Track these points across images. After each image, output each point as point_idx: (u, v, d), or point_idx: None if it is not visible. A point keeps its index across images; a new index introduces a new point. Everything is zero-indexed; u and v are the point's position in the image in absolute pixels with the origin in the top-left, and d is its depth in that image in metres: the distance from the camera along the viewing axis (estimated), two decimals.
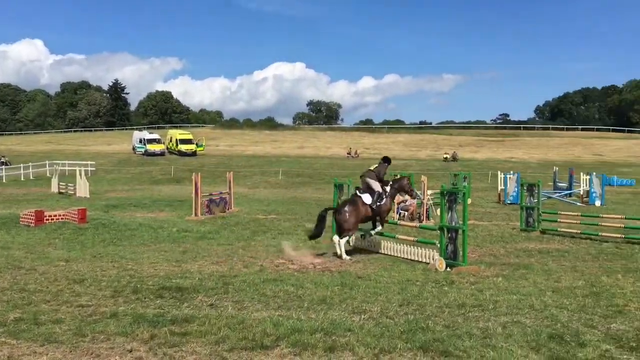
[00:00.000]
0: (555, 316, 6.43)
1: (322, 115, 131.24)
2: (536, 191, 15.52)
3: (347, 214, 10.96)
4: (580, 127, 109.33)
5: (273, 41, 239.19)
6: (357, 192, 11.45)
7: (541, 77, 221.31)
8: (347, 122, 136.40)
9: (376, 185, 11.31)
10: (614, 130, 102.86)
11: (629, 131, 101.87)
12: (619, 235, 13.63)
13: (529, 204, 15.46)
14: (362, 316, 6.39)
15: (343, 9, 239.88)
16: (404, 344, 5.38)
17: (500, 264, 10.36)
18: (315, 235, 11.37)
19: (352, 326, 5.95)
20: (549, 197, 27.39)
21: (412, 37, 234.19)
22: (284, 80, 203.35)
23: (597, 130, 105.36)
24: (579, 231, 14.37)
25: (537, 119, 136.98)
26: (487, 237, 14.31)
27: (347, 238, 11.23)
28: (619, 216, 15.36)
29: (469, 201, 25.85)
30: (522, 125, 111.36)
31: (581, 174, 29.67)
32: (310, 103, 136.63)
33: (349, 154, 62.67)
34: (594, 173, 27.00)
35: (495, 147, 74.49)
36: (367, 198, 11.21)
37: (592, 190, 25.91)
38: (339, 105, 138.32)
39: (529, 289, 7.96)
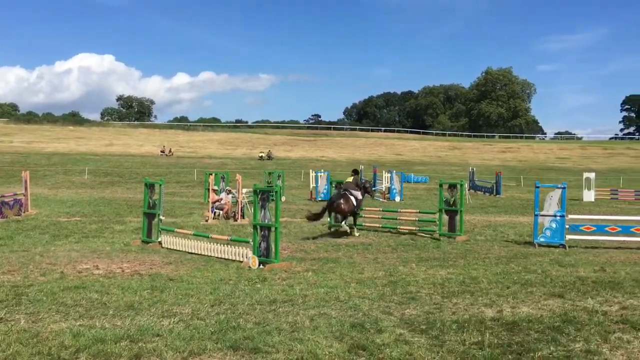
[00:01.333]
0: (358, 306, 6.87)
1: (134, 111, 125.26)
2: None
3: (342, 205, 14.16)
4: (383, 128, 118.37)
5: (77, 29, 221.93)
6: (347, 192, 14.54)
7: (349, 81, 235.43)
8: (160, 119, 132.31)
9: (358, 194, 14.72)
10: (411, 132, 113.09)
11: (423, 133, 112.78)
12: (414, 228, 15.02)
13: None
14: (172, 319, 6.21)
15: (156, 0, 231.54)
16: (214, 344, 5.34)
17: (310, 259, 10.79)
18: (314, 218, 14.49)
19: (160, 331, 5.75)
20: None
21: (228, 34, 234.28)
22: (90, 72, 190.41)
23: (398, 131, 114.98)
24: (379, 225, 15.55)
25: (345, 120, 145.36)
26: (299, 233, 14.83)
27: (345, 221, 14.59)
28: (414, 210, 16.92)
29: (283, 199, 26.59)
30: (332, 126, 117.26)
31: (383, 172, 32.16)
32: (120, 98, 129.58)
33: (162, 152, 60.62)
34: (394, 171, 29.38)
35: (308, 146, 77.53)
36: (354, 198, 14.43)
37: (393, 187, 28.19)
38: (152, 102, 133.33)
39: (336, 282, 8.40)
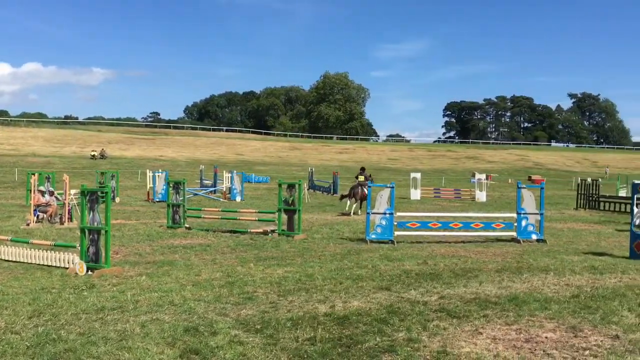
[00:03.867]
0: (193, 309, 6.71)
1: None
2: (182, 189, 16.02)
3: (364, 191, 19.79)
4: (225, 128, 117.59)
5: None
6: (361, 186, 20.66)
7: (190, 79, 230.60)
8: None
9: (364, 191, 19.64)
10: (253, 132, 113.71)
11: (265, 133, 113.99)
12: (263, 229, 15.08)
13: (175, 202, 15.86)
14: None
15: None
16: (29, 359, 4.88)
17: (145, 263, 10.34)
18: (341, 198, 22.61)
19: None
20: (196, 194, 28.68)
21: (56, 22, 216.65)
22: None
23: (240, 131, 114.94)
24: (215, 226, 15.38)
25: (186, 118, 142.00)
26: (133, 235, 14.15)
27: (349, 203, 21.10)
28: (254, 210, 17.00)
29: (117, 200, 25.24)
30: (172, 125, 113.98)
31: (224, 172, 31.91)
32: None
33: None
34: (235, 171, 29.29)
35: (145, 145, 74.45)
36: (365, 189, 19.00)
37: (234, 187, 28.08)
38: None
39: (171, 285, 8.12)
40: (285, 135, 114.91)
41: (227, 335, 5.64)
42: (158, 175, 26.88)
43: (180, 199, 15.92)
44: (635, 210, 11.24)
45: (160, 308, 6.77)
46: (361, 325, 6.05)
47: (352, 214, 20.40)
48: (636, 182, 11.71)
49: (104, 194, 9.73)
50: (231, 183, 28.49)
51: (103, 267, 9.27)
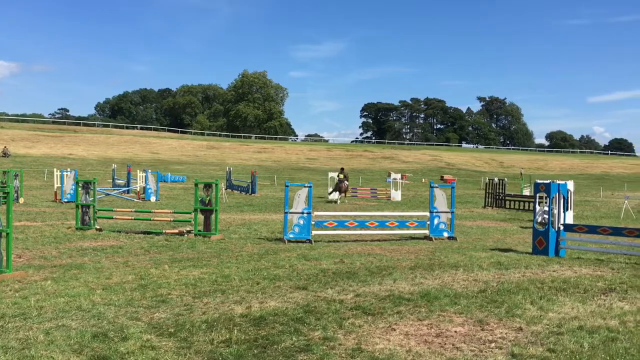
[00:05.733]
0: (102, 314, 6.44)
1: None
2: (92, 188, 15.36)
3: (347, 186, 27.98)
4: (139, 126, 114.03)
5: None
6: (340, 182, 27.57)
7: (101, 75, 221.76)
8: None
9: (346, 184, 28.10)
10: (169, 130, 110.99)
11: (181, 132, 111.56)
12: (179, 230, 14.72)
13: (84, 202, 15.18)
14: None
15: None
16: None
17: (51, 266, 9.82)
18: (333, 191, 28.34)
19: None
20: (107, 194, 27.61)
21: None
22: None
23: (155, 129, 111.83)
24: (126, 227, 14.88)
25: (97, 115, 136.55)
26: (39, 238, 13.40)
27: (337, 195, 27.89)
28: (169, 211, 16.58)
29: (21, 200, 23.87)
30: (82, 122, 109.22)
31: (138, 171, 30.92)
32: None
33: None
34: (149, 170, 28.46)
35: (53, 142, 70.86)
36: (345, 184, 27.65)
37: (148, 186, 27.25)
38: None
39: (79, 290, 7.76)
40: (203, 134, 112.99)
41: (139, 340, 5.46)
42: (66, 175, 25.60)
43: (90, 199, 15.25)
44: (537, 208, 11.92)
45: (67, 314, 6.45)
46: (277, 326, 6.04)
47: (337, 202, 27.62)
48: (538, 181, 12.42)
49: (6, 194, 9.16)
50: (145, 183, 27.64)
51: (4, 272, 8.71)
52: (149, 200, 26.64)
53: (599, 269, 9.79)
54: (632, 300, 7.47)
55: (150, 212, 17.36)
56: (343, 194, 28.26)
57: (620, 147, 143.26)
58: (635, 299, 7.51)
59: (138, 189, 28.89)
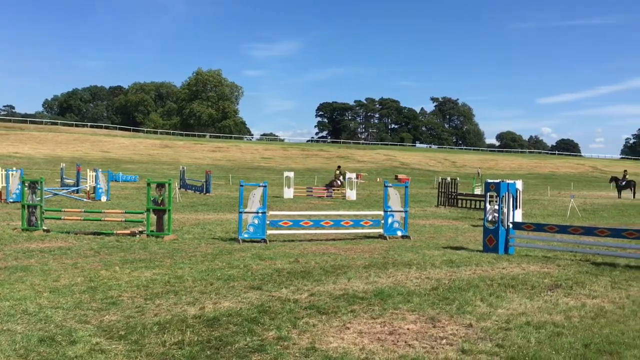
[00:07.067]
0: (49, 317, 6.25)
1: None
2: (39, 188, 14.89)
3: (333, 182, 33.35)
4: (89, 124, 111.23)
5: None
6: (337, 179, 32.89)
7: (49, 71, 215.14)
8: None
9: (340, 180, 33.06)
10: (121, 129, 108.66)
11: (134, 130, 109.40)
12: (130, 231, 14.41)
13: (31, 202, 14.70)
14: None
15: None
16: None
17: None
18: (324, 187, 33.85)
19: None
20: (56, 194, 26.82)
21: None
22: None
23: (106, 127, 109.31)
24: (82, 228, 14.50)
25: (45, 113, 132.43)
26: None
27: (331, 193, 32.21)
28: (120, 211, 16.23)
29: None
30: (29, 119, 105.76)
31: (88, 170, 30.16)
32: None
33: None
34: (100, 170, 27.80)
35: None
36: (339, 182, 32.70)
37: (99, 186, 26.59)
38: None
39: (25, 293, 7.51)
40: (156, 133, 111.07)
41: (88, 344, 5.32)
42: (12, 174, 24.70)
43: (38, 199, 14.78)
44: (488, 207, 12.21)
45: (12, 318, 6.23)
46: (231, 326, 6.00)
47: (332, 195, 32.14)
48: (489, 181, 12.72)
49: None
50: (96, 182, 26.96)
51: None
52: (100, 200, 25.99)
53: (546, 266, 10.11)
54: (576, 296, 7.75)
55: (101, 212, 16.96)
56: (333, 189, 33.09)
57: (566, 147, 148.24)
58: (580, 295, 7.79)
59: (88, 189, 28.17)
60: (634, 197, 34.67)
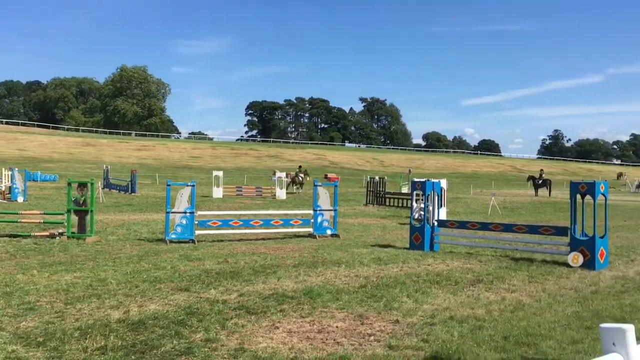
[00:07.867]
0: None
1: None
2: None
3: (294, 178, 36.57)
4: (4, 120, 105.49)
5: None
6: (297, 175, 36.77)
7: None
8: None
9: (302, 177, 36.91)
10: (39, 126, 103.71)
11: (53, 127, 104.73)
12: (50, 232, 13.77)
13: None
14: None
15: None
16: None
17: None
18: (289, 184, 36.01)
19: None
20: None
21: None
22: None
23: (23, 124, 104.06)
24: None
25: None
26: None
27: (295, 186, 36.34)
28: (38, 211, 15.50)
29: None
30: None
31: (3, 169, 28.60)
32: None
33: None
34: (17, 169, 26.42)
35: None
36: (300, 177, 36.44)
37: (15, 186, 25.29)
38: None
39: None
40: (78, 130, 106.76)
41: (3, 352, 5.05)
42: None
43: None
44: (415, 205, 12.53)
45: None
46: (157, 329, 5.85)
47: (296, 191, 35.36)
48: (415, 180, 13.05)
49: None
50: (12, 182, 25.60)
51: None
52: (16, 200, 24.69)
53: (469, 262, 10.49)
54: (497, 290, 8.08)
55: (17, 213, 16.12)
56: (298, 185, 36.49)
57: (488, 147, 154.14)
58: (500, 289, 8.13)
59: (3, 189, 26.69)
60: (549, 195, 36.52)
